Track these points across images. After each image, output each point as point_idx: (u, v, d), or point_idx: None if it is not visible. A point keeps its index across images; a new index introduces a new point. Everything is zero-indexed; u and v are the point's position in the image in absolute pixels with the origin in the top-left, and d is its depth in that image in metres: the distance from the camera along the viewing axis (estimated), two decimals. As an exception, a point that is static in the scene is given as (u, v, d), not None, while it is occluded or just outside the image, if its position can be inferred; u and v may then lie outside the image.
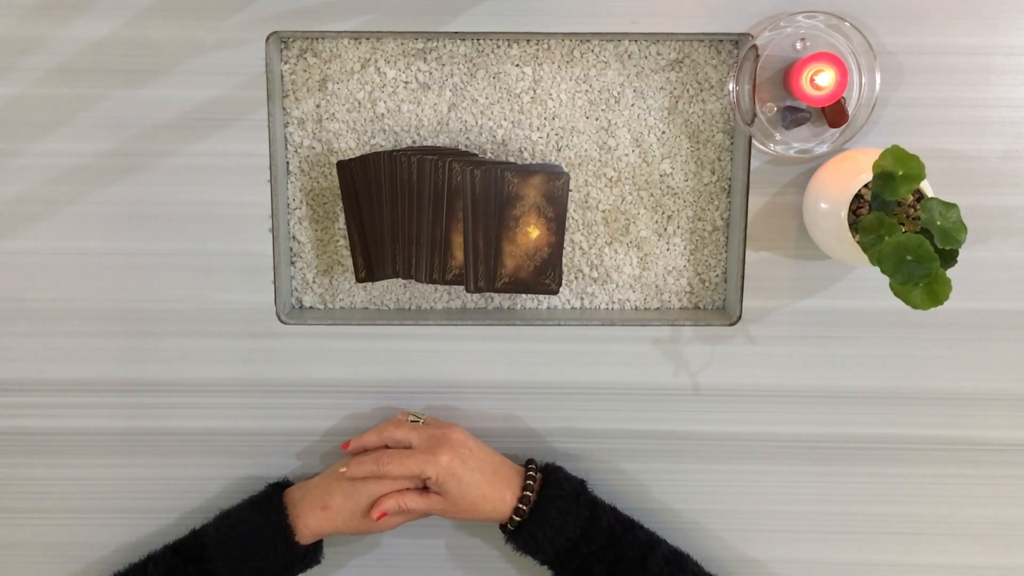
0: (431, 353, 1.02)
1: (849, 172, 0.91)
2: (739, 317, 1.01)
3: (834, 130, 0.95)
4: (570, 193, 1.00)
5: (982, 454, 1.04)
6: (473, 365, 1.02)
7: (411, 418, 0.99)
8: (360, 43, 1.00)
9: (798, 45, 0.94)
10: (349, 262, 1.03)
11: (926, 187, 0.88)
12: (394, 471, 0.94)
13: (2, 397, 1.02)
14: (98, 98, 0.97)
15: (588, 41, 1.00)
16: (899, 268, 0.83)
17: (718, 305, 1.05)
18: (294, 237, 1.04)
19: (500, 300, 1.05)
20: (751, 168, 0.98)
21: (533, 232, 0.99)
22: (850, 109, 0.94)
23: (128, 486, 1.04)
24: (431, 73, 1.00)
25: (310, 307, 1.05)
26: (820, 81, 0.92)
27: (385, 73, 1.00)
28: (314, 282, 1.05)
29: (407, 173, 0.98)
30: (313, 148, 1.02)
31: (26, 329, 1.01)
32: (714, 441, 1.04)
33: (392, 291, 1.05)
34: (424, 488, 0.96)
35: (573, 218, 1.03)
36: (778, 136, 0.96)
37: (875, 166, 0.85)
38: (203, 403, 1.02)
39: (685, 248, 1.04)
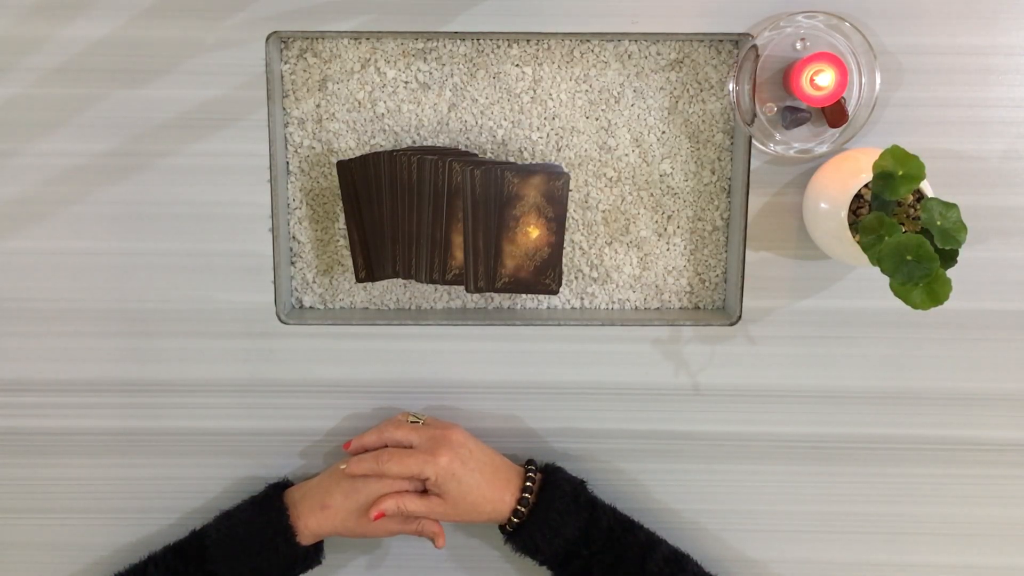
0: (431, 353, 1.02)
1: (849, 172, 0.91)
2: (739, 317, 1.01)
3: (834, 130, 0.95)
4: (570, 193, 1.00)
5: (982, 454, 1.03)
6: (473, 365, 1.02)
7: (411, 418, 0.99)
8: (360, 43, 1.00)
9: (798, 45, 0.94)
10: (349, 262, 1.03)
11: (926, 187, 0.88)
12: (393, 470, 0.94)
13: (2, 397, 1.02)
14: (98, 98, 0.97)
15: (588, 41, 1.00)
16: (899, 268, 0.83)
17: (718, 305, 1.05)
18: (294, 237, 1.04)
19: (500, 300, 1.05)
20: (751, 168, 0.98)
21: (533, 232, 0.99)
22: (850, 109, 0.94)
23: (128, 486, 1.04)
24: (431, 73, 1.00)
25: (310, 307, 1.05)
26: (820, 81, 0.92)
27: (385, 73, 1.00)
28: (314, 282, 1.05)
29: (407, 173, 0.98)
30: (313, 148, 1.02)
31: (26, 329, 1.01)
32: (714, 441, 1.04)
33: (392, 291, 1.05)
34: (424, 491, 0.96)
35: (573, 218, 1.03)
36: (778, 136, 0.96)
37: (875, 166, 0.85)
38: (203, 403, 1.02)
39: (685, 248, 1.04)
